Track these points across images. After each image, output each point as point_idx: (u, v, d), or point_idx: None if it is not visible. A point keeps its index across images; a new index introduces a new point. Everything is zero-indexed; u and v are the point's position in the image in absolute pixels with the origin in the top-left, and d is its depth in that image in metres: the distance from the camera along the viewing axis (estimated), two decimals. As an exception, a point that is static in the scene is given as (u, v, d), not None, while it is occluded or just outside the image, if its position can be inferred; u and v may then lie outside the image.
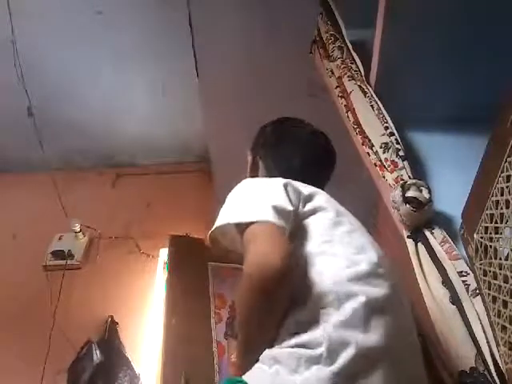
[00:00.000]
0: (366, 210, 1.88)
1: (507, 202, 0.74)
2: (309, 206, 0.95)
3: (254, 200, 0.93)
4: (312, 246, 0.88)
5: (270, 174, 1.14)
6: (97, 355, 2.39)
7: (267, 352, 0.81)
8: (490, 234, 0.80)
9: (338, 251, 0.88)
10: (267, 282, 0.77)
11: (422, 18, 1.25)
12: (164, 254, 2.77)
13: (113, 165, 3.54)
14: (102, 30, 2.80)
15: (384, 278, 0.86)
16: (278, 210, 0.87)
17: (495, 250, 0.78)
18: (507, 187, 0.74)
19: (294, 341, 0.78)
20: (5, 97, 2.94)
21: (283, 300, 0.81)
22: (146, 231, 3.03)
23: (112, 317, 2.59)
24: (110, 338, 2.50)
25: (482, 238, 0.84)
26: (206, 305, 2.23)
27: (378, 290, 0.83)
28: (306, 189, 0.99)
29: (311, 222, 0.93)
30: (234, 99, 2.38)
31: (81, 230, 3.06)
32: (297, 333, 0.79)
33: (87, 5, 2.71)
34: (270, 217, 0.85)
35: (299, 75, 2.12)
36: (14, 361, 2.38)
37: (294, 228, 0.90)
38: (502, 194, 0.76)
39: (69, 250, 2.95)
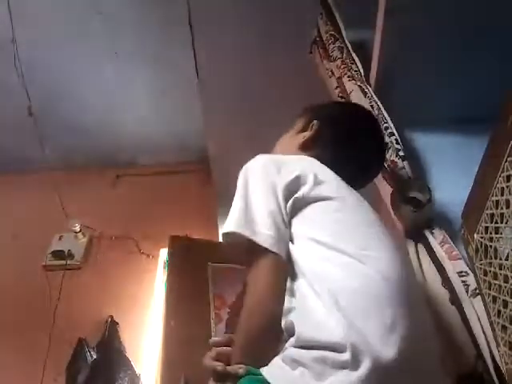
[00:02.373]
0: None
1: (507, 201, 0.74)
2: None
3: (259, 207, 0.90)
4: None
5: (316, 150, 1.08)
6: (90, 354, 2.39)
7: (286, 353, 0.77)
8: (490, 233, 0.80)
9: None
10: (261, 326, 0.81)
11: (422, 17, 1.25)
12: (164, 254, 2.77)
13: (113, 165, 3.54)
14: (102, 29, 2.80)
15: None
16: (278, 227, 0.86)
17: (495, 249, 0.78)
18: (507, 187, 0.74)
19: (312, 343, 0.75)
20: (5, 96, 2.94)
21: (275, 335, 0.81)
22: (146, 231, 3.03)
23: (112, 317, 2.59)
24: (110, 338, 2.50)
25: (482, 237, 0.84)
26: (205, 305, 2.22)
27: None
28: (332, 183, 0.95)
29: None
30: (234, 99, 2.38)
31: (81, 230, 3.06)
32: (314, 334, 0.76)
33: (87, 5, 2.71)
34: (270, 243, 0.83)
35: (299, 75, 2.12)
36: (14, 361, 2.38)
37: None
38: (502, 194, 0.76)
39: (69, 250, 2.95)
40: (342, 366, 0.69)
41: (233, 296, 2.35)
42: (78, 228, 3.04)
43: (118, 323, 2.59)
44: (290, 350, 0.77)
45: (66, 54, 2.90)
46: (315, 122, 1.12)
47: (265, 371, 0.76)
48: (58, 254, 2.93)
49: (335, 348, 0.71)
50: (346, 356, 0.69)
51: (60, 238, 3.06)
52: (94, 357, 2.38)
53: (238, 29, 2.15)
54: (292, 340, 0.78)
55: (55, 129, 3.15)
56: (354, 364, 0.69)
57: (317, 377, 0.71)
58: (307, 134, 1.12)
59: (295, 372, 0.73)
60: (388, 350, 0.70)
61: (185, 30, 2.18)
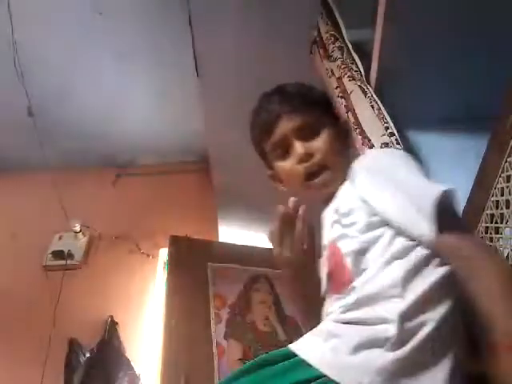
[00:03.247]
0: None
1: (507, 201, 0.74)
2: None
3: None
4: None
5: None
6: (83, 353, 2.39)
7: (321, 326, 0.78)
8: (490, 234, 0.80)
9: None
10: None
11: (421, 18, 1.25)
12: (164, 254, 2.78)
13: (113, 165, 3.54)
14: (102, 30, 2.79)
15: None
16: None
17: (495, 250, 0.78)
18: (507, 187, 0.74)
19: (351, 315, 0.75)
20: (5, 96, 2.94)
21: None
22: (146, 231, 3.03)
23: (112, 317, 2.59)
24: (109, 338, 2.50)
25: (482, 238, 0.84)
26: (205, 305, 2.23)
27: None
28: None
29: None
30: (235, 99, 2.38)
31: (81, 230, 3.06)
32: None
33: (87, 5, 2.70)
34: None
35: (300, 75, 2.11)
36: (14, 360, 2.38)
37: None
38: (502, 194, 0.76)
39: (69, 250, 2.95)
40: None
41: (233, 296, 2.36)
42: (77, 228, 3.04)
43: (117, 323, 2.59)
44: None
45: (66, 54, 2.89)
46: None
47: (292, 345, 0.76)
48: (58, 254, 2.93)
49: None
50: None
51: (60, 238, 3.06)
52: (88, 356, 2.38)
53: (238, 29, 2.15)
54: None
55: (55, 129, 3.15)
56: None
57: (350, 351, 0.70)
58: None
59: (327, 344, 0.73)
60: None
61: (185, 30, 2.18)
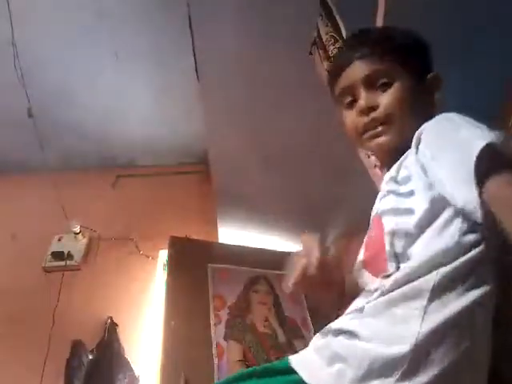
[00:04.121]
0: (368, 213, 1.88)
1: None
2: None
3: None
4: None
5: None
6: (86, 355, 2.39)
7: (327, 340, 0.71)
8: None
9: None
10: None
11: (421, 18, 1.25)
12: (163, 255, 2.78)
13: (113, 166, 3.54)
14: (102, 31, 2.79)
15: None
16: None
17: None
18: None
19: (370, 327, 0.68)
20: (5, 98, 2.93)
21: None
22: (146, 232, 3.03)
23: (111, 318, 2.59)
24: (109, 340, 2.49)
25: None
26: (205, 306, 2.23)
27: None
28: None
29: None
30: (234, 101, 2.38)
31: (80, 231, 3.06)
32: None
33: (88, 6, 2.70)
34: None
35: (300, 77, 2.11)
36: (13, 362, 2.37)
37: None
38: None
39: (68, 251, 2.94)
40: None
41: (232, 297, 2.35)
42: (77, 229, 3.04)
43: (117, 324, 2.58)
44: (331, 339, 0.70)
45: (66, 54, 2.89)
46: None
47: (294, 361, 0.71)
48: (58, 255, 2.92)
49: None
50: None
51: (60, 239, 3.05)
52: (90, 357, 2.37)
53: (238, 31, 2.15)
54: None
55: (55, 130, 3.15)
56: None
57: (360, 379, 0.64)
58: None
59: (331, 369, 0.68)
60: None
61: (185, 32, 2.18)
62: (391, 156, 0.83)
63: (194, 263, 2.38)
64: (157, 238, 2.91)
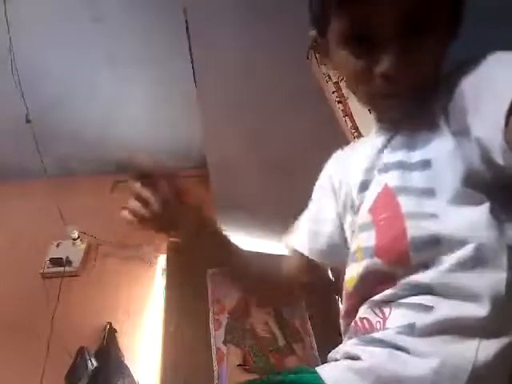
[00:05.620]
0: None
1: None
2: None
3: None
4: None
5: None
6: (91, 362, 2.38)
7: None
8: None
9: None
10: None
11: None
12: (162, 260, 2.78)
13: (111, 171, 3.54)
14: (99, 37, 2.80)
15: None
16: None
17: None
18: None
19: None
20: (2, 104, 2.94)
21: None
22: (145, 238, 3.03)
23: (110, 324, 2.58)
24: (108, 346, 2.49)
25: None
26: (204, 311, 2.23)
27: None
28: None
29: None
30: (233, 106, 2.39)
31: (79, 237, 3.06)
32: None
33: (85, 12, 2.71)
34: None
35: (298, 84, 2.12)
36: (12, 368, 2.36)
37: None
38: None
39: (67, 257, 2.94)
40: None
41: (232, 301, 2.35)
42: (76, 235, 3.03)
43: (116, 330, 2.58)
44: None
45: (64, 61, 2.90)
46: None
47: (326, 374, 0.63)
48: (56, 261, 2.92)
49: None
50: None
51: (58, 245, 3.05)
52: (95, 365, 2.37)
53: (235, 36, 2.16)
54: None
55: (53, 136, 3.15)
56: None
57: None
58: None
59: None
60: None
61: (182, 38, 2.19)
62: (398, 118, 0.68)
63: (192, 268, 2.38)
64: (155, 243, 2.91)
